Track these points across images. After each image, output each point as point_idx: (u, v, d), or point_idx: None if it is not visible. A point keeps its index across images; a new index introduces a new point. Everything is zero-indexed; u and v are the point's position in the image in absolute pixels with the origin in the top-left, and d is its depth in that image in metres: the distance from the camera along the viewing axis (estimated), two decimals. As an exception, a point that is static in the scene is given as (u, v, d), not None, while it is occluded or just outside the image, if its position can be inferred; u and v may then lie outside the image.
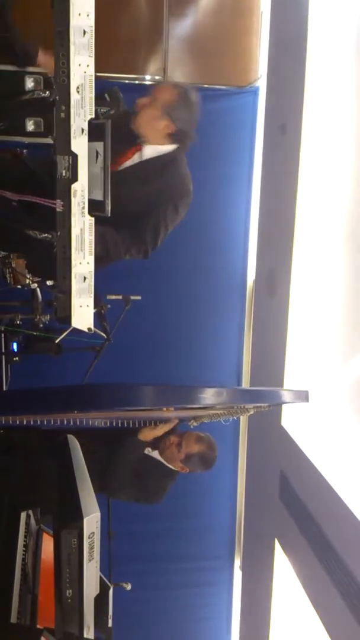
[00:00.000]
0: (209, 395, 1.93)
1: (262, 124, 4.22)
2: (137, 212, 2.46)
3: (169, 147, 2.52)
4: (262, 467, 4.21)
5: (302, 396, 2.09)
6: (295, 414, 3.72)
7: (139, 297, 3.21)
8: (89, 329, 1.91)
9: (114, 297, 3.16)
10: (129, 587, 3.38)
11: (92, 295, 1.87)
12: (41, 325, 3.16)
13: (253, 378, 4.45)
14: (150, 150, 2.50)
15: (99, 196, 1.84)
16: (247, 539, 4.69)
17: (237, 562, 4.94)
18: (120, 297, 3.20)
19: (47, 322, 3.16)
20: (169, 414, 2.54)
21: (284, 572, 3.92)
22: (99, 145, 1.84)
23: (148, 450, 2.93)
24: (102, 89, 3.57)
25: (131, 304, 3.18)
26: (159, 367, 4.32)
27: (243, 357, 4.55)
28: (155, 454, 2.95)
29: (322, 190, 3.54)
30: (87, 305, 1.87)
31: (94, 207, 1.85)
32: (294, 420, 3.73)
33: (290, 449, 3.60)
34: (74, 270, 1.83)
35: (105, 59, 4.05)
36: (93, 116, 1.80)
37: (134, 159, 2.51)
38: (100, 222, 1.86)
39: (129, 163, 2.49)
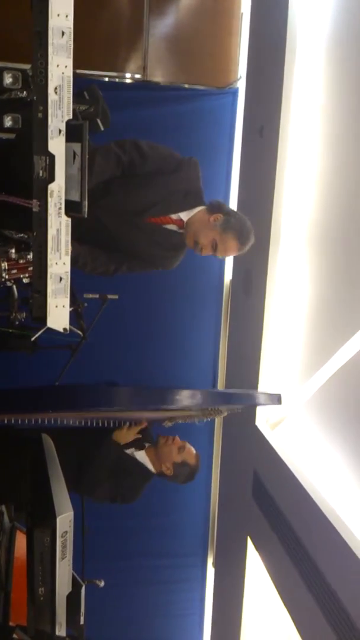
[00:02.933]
0: (183, 397, 1.95)
1: (241, 126, 4.26)
2: (130, 250, 2.66)
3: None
4: (235, 465, 4.26)
5: (275, 399, 2.12)
6: (268, 414, 3.77)
7: (116, 296, 3.23)
8: (65, 329, 1.92)
9: (91, 295, 3.17)
10: (102, 584, 3.40)
11: (68, 295, 1.88)
12: (17, 323, 3.16)
13: (229, 378, 4.49)
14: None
15: (75, 197, 1.85)
16: (220, 536, 4.74)
17: (210, 559, 4.98)
18: (97, 295, 3.22)
19: (23, 320, 3.15)
20: (144, 414, 2.56)
21: (256, 568, 3.97)
22: (77, 146, 1.84)
23: (131, 451, 2.95)
24: (81, 86, 3.58)
25: (108, 303, 3.19)
26: (135, 366, 4.34)
27: (219, 357, 4.59)
28: (140, 455, 2.98)
29: (298, 192, 3.59)
30: (63, 306, 1.88)
31: (71, 208, 1.85)
32: (268, 421, 3.77)
33: (263, 449, 3.64)
34: (49, 271, 1.84)
35: (85, 56, 4.05)
36: (71, 117, 1.80)
37: (171, 227, 2.63)
38: (81, 240, 1.89)
39: (167, 227, 2.63)
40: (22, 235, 2.06)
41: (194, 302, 4.48)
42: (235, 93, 4.29)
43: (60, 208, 1.82)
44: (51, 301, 1.85)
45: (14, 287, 3.11)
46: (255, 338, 3.85)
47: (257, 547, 3.86)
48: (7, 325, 3.12)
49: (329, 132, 3.40)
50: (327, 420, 3.32)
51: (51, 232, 1.82)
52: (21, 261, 2.62)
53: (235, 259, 4.29)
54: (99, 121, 3.47)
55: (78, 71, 3.97)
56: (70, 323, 3.26)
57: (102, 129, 3.47)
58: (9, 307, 3.14)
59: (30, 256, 2.16)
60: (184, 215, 2.59)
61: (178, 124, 4.22)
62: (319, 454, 3.31)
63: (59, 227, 1.83)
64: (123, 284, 3.95)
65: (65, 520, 1.85)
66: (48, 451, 2.22)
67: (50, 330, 3.27)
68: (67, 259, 1.85)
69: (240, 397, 2.19)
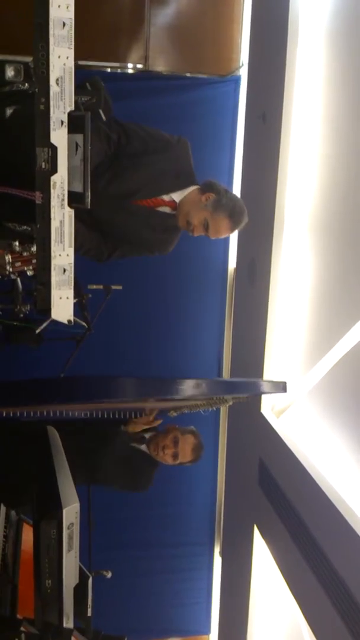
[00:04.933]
0: (188, 387, 1.95)
1: (243, 113, 4.23)
2: (122, 236, 2.61)
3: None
4: (241, 454, 4.27)
5: (280, 387, 2.12)
6: (274, 402, 3.77)
7: (120, 287, 3.22)
8: (69, 321, 1.92)
9: (94, 287, 3.16)
10: (109, 574, 3.42)
11: (72, 287, 1.88)
12: (21, 315, 3.16)
13: (234, 366, 4.49)
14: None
15: (78, 188, 1.84)
16: (227, 525, 4.75)
17: (217, 548, 5.01)
18: (101, 287, 3.21)
19: (27, 312, 3.15)
20: (149, 404, 2.56)
21: (263, 556, 3.99)
22: (79, 137, 1.83)
23: (134, 445, 2.97)
24: (83, 77, 3.55)
25: (112, 294, 3.19)
26: (140, 357, 4.34)
27: (224, 345, 4.58)
28: (143, 447, 3.00)
29: (302, 178, 3.57)
30: (67, 297, 1.88)
31: (74, 199, 1.85)
32: (273, 408, 3.77)
33: (269, 437, 3.65)
34: (53, 262, 1.83)
35: (87, 47, 4.02)
36: (73, 108, 1.79)
37: (164, 210, 2.58)
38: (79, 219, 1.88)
39: (159, 209, 2.58)
40: (25, 227, 2.06)
41: (198, 292, 4.47)
42: (237, 81, 4.26)
43: (63, 199, 1.82)
44: (55, 293, 1.85)
45: (18, 279, 3.12)
46: (259, 326, 3.84)
47: (264, 535, 3.88)
48: (12, 318, 3.13)
49: (332, 116, 3.37)
50: (332, 407, 3.32)
51: (54, 224, 1.81)
52: (25, 253, 2.62)
53: (239, 246, 4.28)
54: (101, 112, 3.44)
55: (80, 62, 3.94)
56: (75, 315, 3.27)
57: (104, 119, 3.44)
58: (13, 299, 3.16)
59: (34, 248, 2.16)
60: (176, 196, 2.55)
61: (180, 113, 4.19)
62: (324, 440, 3.31)
63: (62, 219, 1.82)
64: (126, 274, 3.95)
65: (71, 512, 1.86)
66: (53, 443, 2.23)
67: (54, 322, 3.27)
68: (71, 251, 1.85)
69: (245, 386, 2.18)
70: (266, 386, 2.19)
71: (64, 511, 1.83)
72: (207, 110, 4.21)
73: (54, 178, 1.80)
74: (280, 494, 3.55)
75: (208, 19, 4.23)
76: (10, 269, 2.97)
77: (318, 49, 3.42)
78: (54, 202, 1.80)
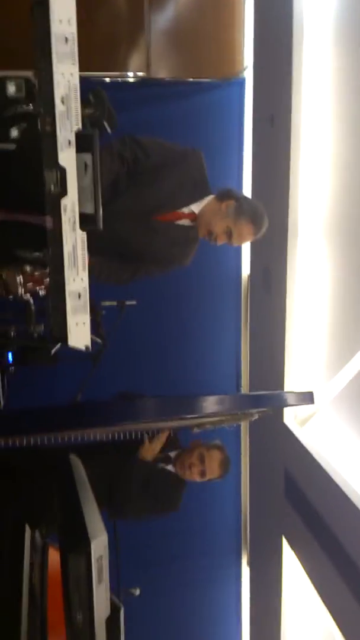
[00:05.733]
0: (211, 404, 1.88)
1: (250, 116, 4.15)
2: (144, 254, 2.59)
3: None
4: (265, 465, 4.18)
5: (307, 398, 2.04)
6: (297, 411, 3.68)
7: (134, 302, 3.16)
8: (87, 347, 1.85)
9: (108, 303, 3.11)
10: (137, 592, 3.36)
11: (88, 312, 1.81)
12: (35, 336, 3.11)
13: (252, 377, 4.40)
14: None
15: (89, 209, 1.78)
16: (254, 537, 4.67)
17: (245, 559, 4.92)
18: (115, 303, 3.15)
19: (41, 333, 3.11)
20: (171, 423, 2.49)
21: (293, 568, 3.90)
22: (87, 157, 1.77)
23: (162, 466, 2.90)
24: (85, 89, 3.49)
25: (126, 309, 3.13)
26: (157, 371, 4.27)
27: (241, 356, 4.50)
28: (170, 467, 2.93)
29: (314, 181, 3.48)
30: (84, 323, 1.81)
31: (85, 221, 1.78)
32: (296, 417, 3.69)
33: (293, 447, 3.56)
34: (67, 288, 1.76)
35: (87, 58, 3.93)
36: (80, 127, 1.73)
37: (183, 223, 2.54)
38: (92, 249, 1.87)
39: (179, 222, 2.53)
40: (37, 254, 1.99)
41: (213, 301, 4.39)
42: (242, 83, 4.19)
43: (74, 222, 1.75)
44: (71, 319, 1.78)
45: (31, 300, 3.07)
46: (278, 335, 3.76)
47: (293, 547, 3.79)
48: (26, 339, 3.08)
49: (343, 115, 3.28)
50: (357, 414, 3.24)
51: (67, 248, 1.74)
52: (36, 273, 2.57)
53: (252, 254, 4.20)
54: (105, 124, 3.39)
55: (81, 74, 3.88)
56: (90, 332, 3.21)
57: (109, 131, 3.38)
58: (26, 320, 3.10)
59: (46, 270, 2.10)
60: (195, 207, 2.51)
61: (186, 118, 4.12)
62: (351, 448, 3.22)
63: (74, 243, 1.76)
64: (139, 288, 3.87)
65: (99, 544, 1.79)
66: (77, 472, 2.16)
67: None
68: (85, 275, 1.78)
69: (270, 399, 2.10)
70: (292, 398, 2.11)
71: (92, 544, 1.76)
72: (212, 115, 4.14)
73: (64, 201, 1.73)
74: (308, 505, 3.46)
75: (209, 22, 4.16)
76: (22, 290, 2.93)
77: (325, 47, 3.34)
78: (65, 226, 1.73)
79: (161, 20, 4.15)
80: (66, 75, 1.68)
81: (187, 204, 2.51)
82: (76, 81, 1.69)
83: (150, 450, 2.86)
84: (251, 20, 4.07)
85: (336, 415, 3.38)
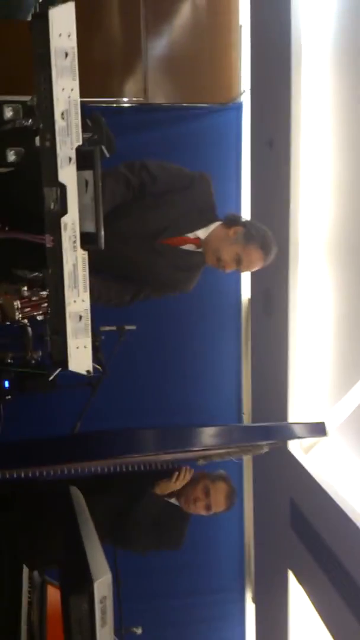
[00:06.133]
0: (219, 436, 1.79)
1: (247, 140, 4.13)
2: (147, 277, 2.54)
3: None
4: (270, 495, 4.05)
5: (319, 430, 1.94)
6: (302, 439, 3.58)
7: (133, 327, 3.08)
8: (88, 371, 1.76)
9: (107, 328, 3.03)
10: (139, 631, 3.22)
11: (90, 334, 1.73)
12: (33, 362, 3.02)
13: (255, 404, 4.30)
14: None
15: (90, 228, 1.71)
16: (259, 571, 4.51)
17: (249, 594, 4.75)
18: (114, 328, 3.07)
19: (38, 359, 3.02)
20: (176, 455, 2.39)
21: (301, 602, 3.75)
22: (88, 174, 1.71)
23: (165, 498, 2.79)
24: (82, 114, 3.47)
25: (125, 335, 3.05)
26: (157, 398, 4.17)
27: (242, 382, 4.41)
28: (173, 500, 2.82)
29: (315, 203, 3.44)
30: (85, 346, 1.73)
31: (86, 240, 1.71)
32: (301, 445, 3.58)
33: (299, 476, 3.44)
34: (68, 310, 1.69)
35: (84, 83, 3.92)
36: (80, 143, 1.66)
37: (188, 248, 2.49)
38: (93, 270, 1.81)
39: (184, 247, 2.49)
40: (36, 274, 1.92)
41: (212, 327, 4.32)
42: (239, 108, 4.17)
43: (75, 242, 1.68)
44: (72, 342, 1.70)
45: (28, 325, 2.99)
46: (280, 359, 3.67)
47: (300, 581, 3.64)
48: (23, 365, 2.98)
49: (343, 137, 3.25)
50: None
51: (67, 268, 1.67)
52: (34, 298, 2.49)
53: (253, 277, 4.14)
54: (104, 148, 3.35)
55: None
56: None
57: (107, 155, 3.34)
58: (23, 346, 3.01)
59: (43, 292, 2.03)
60: (201, 233, 2.46)
61: (183, 143, 4.10)
62: (357, 476, 3.11)
63: (75, 262, 1.68)
64: (138, 313, 3.81)
65: (103, 584, 1.68)
66: (78, 505, 2.04)
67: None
68: (86, 296, 1.70)
69: (280, 431, 2.01)
70: (303, 430, 2.02)
71: (95, 585, 1.65)
72: (210, 139, 4.12)
73: (65, 219, 1.66)
74: (315, 536, 3.33)
75: (206, 47, 4.17)
76: (20, 316, 2.85)
77: (324, 69, 3.32)
78: (66, 244, 1.66)
79: (158, 47, 4.15)
80: (66, 90, 1.63)
81: (193, 229, 2.46)
82: (77, 97, 1.64)
83: (171, 488, 2.75)
84: (248, 44, 4.07)
85: (343, 442, 3.28)
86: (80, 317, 1.71)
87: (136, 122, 4.11)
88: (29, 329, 2.97)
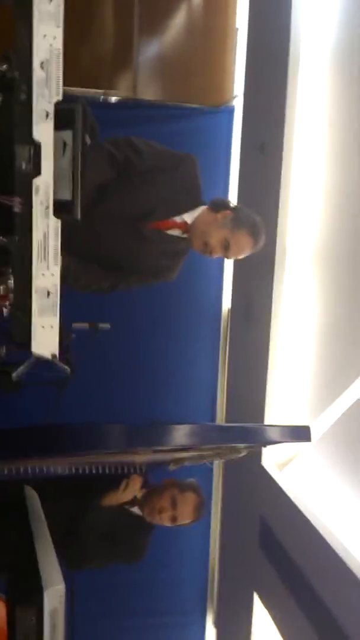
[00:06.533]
0: (192, 434, 1.62)
1: (237, 145, 4.01)
2: (131, 263, 2.39)
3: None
4: (239, 512, 3.87)
5: (303, 434, 1.78)
6: (276, 453, 3.41)
7: (108, 325, 2.90)
8: (53, 355, 1.58)
9: (79, 324, 2.85)
10: (93, 653, 2.99)
11: (57, 313, 1.55)
12: (-2, 359, 2.81)
13: (229, 415, 4.13)
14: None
15: (66, 195, 1.53)
16: (222, 593, 4.30)
17: (210, 617, 4.52)
18: (87, 325, 2.89)
19: (3, 355, 2.81)
20: (144, 457, 2.19)
21: (265, 628, 3.55)
22: (67, 135, 1.53)
23: (126, 507, 2.58)
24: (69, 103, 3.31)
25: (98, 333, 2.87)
26: (127, 402, 3.97)
27: (217, 392, 4.24)
28: (135, 510, 2.60)
29: (304, 209, 3.32)
30: (51, 326, 1.54)
31: (61, 208, 1.53)
32: (275, 460, 3.41)
33: (271, 493, 3.27)
34: (35, 283, 1.50)
35: (73, 75, 3.77)
36: (60, 98, 1.50)
37: (174, 232, 2.36)
38: (68, 252, 1.65)
39: (170, 232, 2.36)
40: (1, 238, 1.73)
41: (190, 331, 4.16)
42: (231, 112, 4.05)
43: (47, 207, 1.50)
44: (37, 321, 1.51)
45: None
46: (259, 370, 3.52)
47: (266, 605, 3.45)
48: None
49: (336, 144, 3.15)
50: (342, 458, 2.99)
51: (37, 236, 1.49)
52: (1, 287, 2.30)
53: (234, 284, 3.99)
54: (87, 136, 3.19)
55: (65, 88, 3.71)
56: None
57: (88, 143, 3.19)
58: (-13, 341, 2.81)
59: (11, 282, 1.85)
60: (188, 217, 2.33)
61: (171, 143, 3.85)
62: (335, 496, 2.95)
63: (46, 231, 1.50)
64: (112, 311, 3.62)
65: (54, 595, 1.48)
66: (32, 508, 1.84)
67: (35, 365, 2.88)
68: (57, 270, 1.52)
69: (259, 432, 1.83)
70: (286, 433, 1.84)
71: (45, 595, 1.45)
72: (199, 141, 3.97)
73: (37, 181, 1.48)
74: (284, 557, 3.16)
75: (199, 48, 4.06)
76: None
77: (321, 75, 3.22)
78: (37, 209, 1.48)
79: (150, 42, 4.04)
80: (48, 37, 1.46)
81: (179, 212, 2.32)
82: (59, 46, 1.47)
83: (121, 499, 2.55)
84: (243, 48, 3.97)
85: (320, 459, 3.13)
86: (49, 293, 1.52)
87: (124, 118, 3.97)
88: (-6, 322, 2.78)
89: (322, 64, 3.22)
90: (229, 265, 4.06)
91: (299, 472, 3.26)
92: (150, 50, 4.05)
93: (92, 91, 3.91)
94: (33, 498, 1.93)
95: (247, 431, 1.79)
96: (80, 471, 1.94)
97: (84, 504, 2.52)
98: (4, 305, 2.42)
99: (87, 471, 1.95)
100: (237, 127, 4.01)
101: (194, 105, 4.05)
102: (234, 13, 4.07)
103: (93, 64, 3.97)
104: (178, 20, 4.07)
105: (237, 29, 4.04)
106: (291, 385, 3.43)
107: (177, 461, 2.02)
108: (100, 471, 1.98)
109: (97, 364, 3.36)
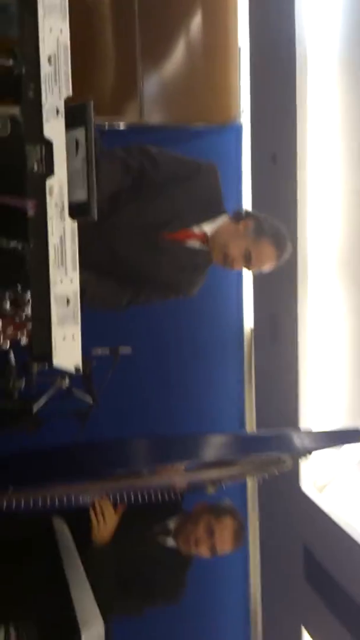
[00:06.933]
0: (231, 444, 1.47)
1: (247, 162, 3.94)
2: (148, 276, 2.27)
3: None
4: (280, 542, 3.64)
5: (353, 437, 1.61)
6: (315, 475, 3.22)
7: (129, 349, 2.77)
8: (77, 367, 1.45)
9: (100, 351, 2.72)
10: None
11: (79, 322, 1.42)
12: (16, 394, 2.67)
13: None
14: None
15: (81, 196, 1.43)
16: (266, 630, 4.04)
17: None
18: (107, 351, 2.76)
19: (22, 390, 2.68)
20: (179, 476, 2.02)
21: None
22: (80, 133, 1.44)
23: (161, 539, 2.39)
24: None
25: (119, 358, 2.73)
26: (152, 428, 3.81)
27: (245, 415, 4.07)
28: (170, 542, 2.41)
29: (325, 219, 3.20)
30: (73, 337, 1.42)
31: (77, 210, 1.43)
32: (315, 483, 3.22)
33: (314, 518, 3.07)
34: (53, 291, 1.39)
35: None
36: (70, 94, 1.41)
37: (193, 244, 2.24)
38: (86, 266, 1.54)
39: (189, 244, 2.24)
40: (15, 243, 1.62)
41: (213, 353, 3.99)
42: (239, 129, 3.99)
43: (62, 209, 1.39)
44: (57, 331, 1.39)
45: (12, 351, 2.66)
46: (288, 390, 3.35)
47: (316, 639, 3.22)
48: (4, 398, 2.64)
49: (352, 148, 3.05)
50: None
51: (53, 240, 1.38)
52: (17, 319, 2.19)
53: (257, 302, 3.86)
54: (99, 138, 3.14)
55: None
56: (77, 386, 2.76)
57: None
58: (5, 374, 2.68)
59: (28, 310, 1.74)
60: (208, 228, 2.21)
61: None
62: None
63: (62, 234, 1.39)
64: (129, 334, 3.50)
65: (94, 637, 1.31)
66: (63, 542, 1.67)
67: (55, 398, 2.73)
68: (75, 275, 1.41)
69: (304, 439, 1.65)
70: (335, 436, 1.67)
71: (84, 636, 1.29)
72: (209, 159, 3.91)
73: (51, 182, 1.39)
74: (334, 587, 2.94)
75: (203, 69, 4.00)
76: (1, 338, 2.52)
77: (329, 81, 3.15)
78: (52, 212, 1.38)
79: (153, 67, 4.00)
80: (54, 31, 1.38)
81: (200, 222, 2.21)
82: (66, 39, 1.39)
83: (100, 533, 2.22)
84: (246, 66, 3.93)
85: (362, 478, 2.94)
86: (68, 301, 1.40)
87: (133, 143, 3.92)
88: (12, 355, 2.65)
89: (329, 70, 3.15)
90: (248, 282, 3.94)
91: (342, 494, 3.06)
92: (153, 75, 4.02)
93: (99, 118, 3.86)
94: (62, 530, 1.77)
95: (290, 438, 1.62)
96: (112, 499, 1.78)
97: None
98: (22, 334, 2.31)
99: (120, 499, 1.79)
100: (246, 142, 3.94)
101: (201, 125, 4.00)
102: (235, 32, 4.04)
103: (97, 93, 3.93)
104: (179, 43, 4.04)
105: (240, 47, 4.01)
106: (324, 401, 3.26)
107: (215, 482, 1.85)
108: (135, 498, 1.82)
109: (118, 389, 3.23)
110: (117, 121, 3.95)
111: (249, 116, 3.87)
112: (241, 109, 3.99)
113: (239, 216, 2.23)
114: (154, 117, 4.02)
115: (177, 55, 4.04)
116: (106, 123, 3.88)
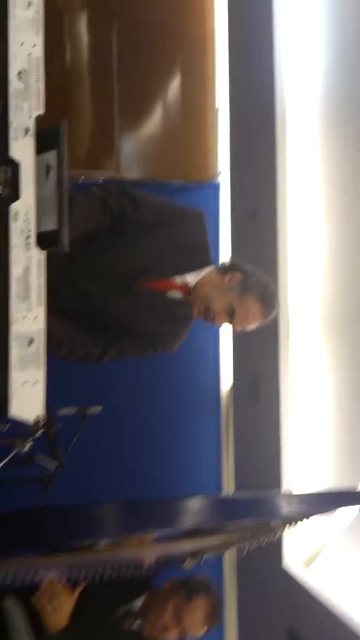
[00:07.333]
0: (214, 508, 1.26)
1: (226, 219, 3.89)
2: (122, 328, 2.11)
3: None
4: (262, 625, 3.34)
5: (354, 499, 1.41)
6: (298, 550, 2.98)
7: (98, 409, 2.57)
8: (38, 417, 1.25)
9: (66, 411, 2.51)
10: None
11: (43, 365, 1.24)
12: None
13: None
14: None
15: (51, 224, 1.28)
16: None
17: None
18: (75, 410, 2.55)
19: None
20: (146, 549, 1.77)
21: None
22: (51, 156, 1.30)
23: (127, 623, 2.12)
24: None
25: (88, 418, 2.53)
26: (122, 493, 3.54)
27: (223, 472, 3.84)
28: (135, 626, 2.14)
29: (306, 276, 3.11)
30: (35, 382, 1.23)
31: (45, 240, 1.28)
32: (299, 558, 2.98)
33: (299, 596, 2.82)
34: (13, 329, 1.21)
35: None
36: (42, 112, 1.28)
37: (174, 295, 2.10)
38: (50, 311, 1.37)
39: (169, 294, 2.10)
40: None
41: (189, 415, 3.82)
42: (216, 187, 3.96)
43: (28, 237, 1.24)
44: (17, 376, 1.21)
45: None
46: (270, 452, 3.16)
47: None
48: None
49: (333, 207, 3.01)
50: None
51: (16, 271, 1.22)
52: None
53: (236, 362, 3.70)
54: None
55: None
56: (40, 450, 2.53)
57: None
58: None
59: None
60: (191, 278, 2.06)
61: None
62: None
63: (27, 265, 1.23)
64: (100, 392, 3.29)
65: None
66: (13, 625, 1.42)
67: (14, 461, 2.47)
68: (41, 312, 1.24)
69: (299, 502, 1.43)
70: (333, 498, 1.46)
71: None
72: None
73: (15, 207, 1.23)
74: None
75: (180, 127, 4.03)
76: None
77: (310, 138, 3.14)
78: (16, 239, 1.22)
79: (131, 124, 4.00)
80: (26, 45, 1.26)
81: (182, 272, 2.06)
82: (39, 55, 1.27)
83: (60, 616, 1.97)
84: (225, 126, 3.94)
85: (350, 550, 2.71)
86: (31, 341, 1.22)
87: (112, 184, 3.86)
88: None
89: (309, 127, 3.14)
90: (226, 338, 3.80)
91: (328, 569, 2.82)
92: (131, 132, 4.02)
93: (75, 172, 3.80)
94: (15, 612, 1.51)
95: (278, 501, 1.41)
96: (73, 576, 1.54)
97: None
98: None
99: (81, 576, 1.55)
100: (224, 201, 3.90)
101: (178, 182, 3.96)
102: (213, 92, 4.08)
103: (74, 147, 3.89)
104: (158, 102, 4.07)
105: (218, 108, 4.03)
106: (309, 462, 3.07)
107: (194, 555, 1.62)
108: (98, 575, 1.58)
109: (86, 448, 3.00)
110: (93, 175, 3.89)
111: (229, 174, 3.83)
112: (218, 170, 3.98)
113: (226, 268, 2.09)
114: (131, 172, 3.99)
115: (155, 114, 4.06)
116: (82, 176, 3.80)
